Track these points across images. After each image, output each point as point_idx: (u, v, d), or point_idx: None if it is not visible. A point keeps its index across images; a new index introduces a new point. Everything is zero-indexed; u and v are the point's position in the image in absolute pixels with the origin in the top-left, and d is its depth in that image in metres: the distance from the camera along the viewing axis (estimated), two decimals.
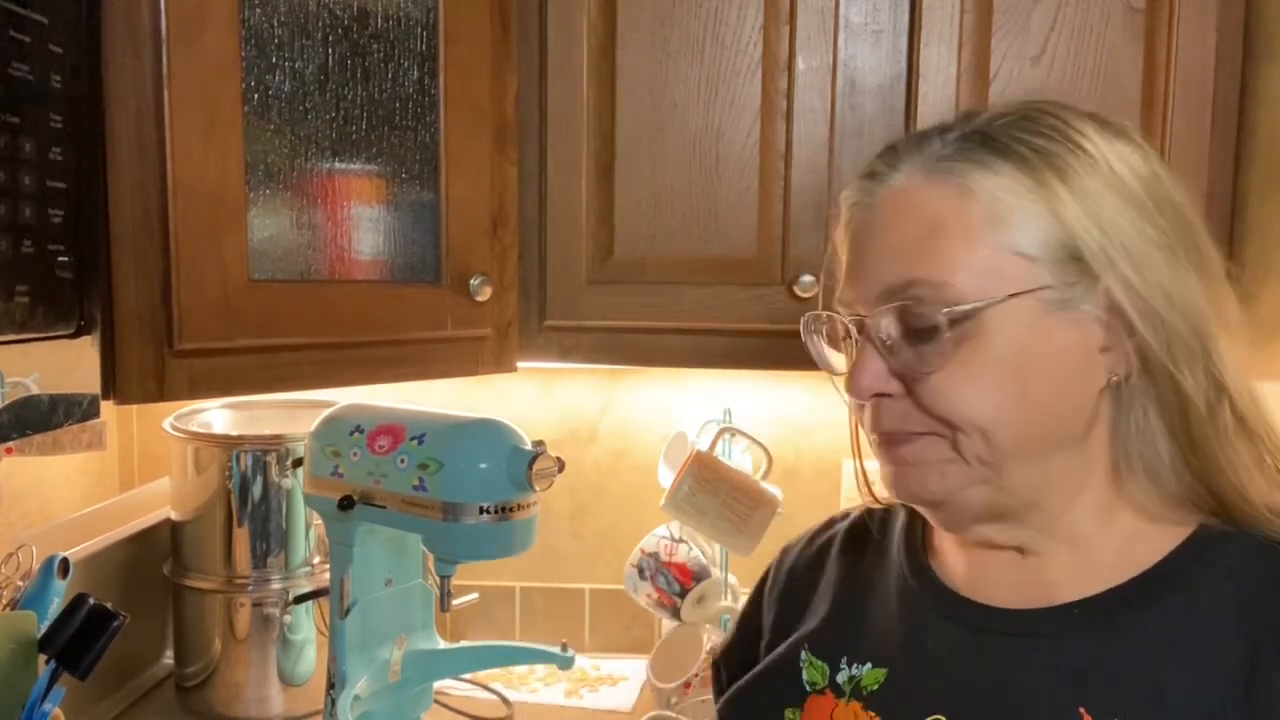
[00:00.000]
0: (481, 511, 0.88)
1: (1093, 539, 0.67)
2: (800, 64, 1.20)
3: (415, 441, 0.90)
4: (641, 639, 1.60)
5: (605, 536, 1.62)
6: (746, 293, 1.22)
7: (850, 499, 1.54)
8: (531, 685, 1.47)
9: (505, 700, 1.40)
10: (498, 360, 1.23)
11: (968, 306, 0.61)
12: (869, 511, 0.82)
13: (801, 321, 0.72)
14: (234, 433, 1.36)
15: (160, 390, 0.90)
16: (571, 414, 1.61)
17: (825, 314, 0.70)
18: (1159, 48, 1.17)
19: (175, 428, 1.31)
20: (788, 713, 0.75)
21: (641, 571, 1.44)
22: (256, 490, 1.29)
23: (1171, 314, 0.61)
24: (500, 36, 1.20)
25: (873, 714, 0.70)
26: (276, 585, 1.30)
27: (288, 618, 1.30)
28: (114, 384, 0.87)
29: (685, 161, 1.22)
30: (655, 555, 1.43)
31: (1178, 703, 0.60)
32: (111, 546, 1.33)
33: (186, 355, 0.91)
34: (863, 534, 0.81)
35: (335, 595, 0.97)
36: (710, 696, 1.33)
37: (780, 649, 0.78)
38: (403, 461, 0.90)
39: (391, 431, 0.92)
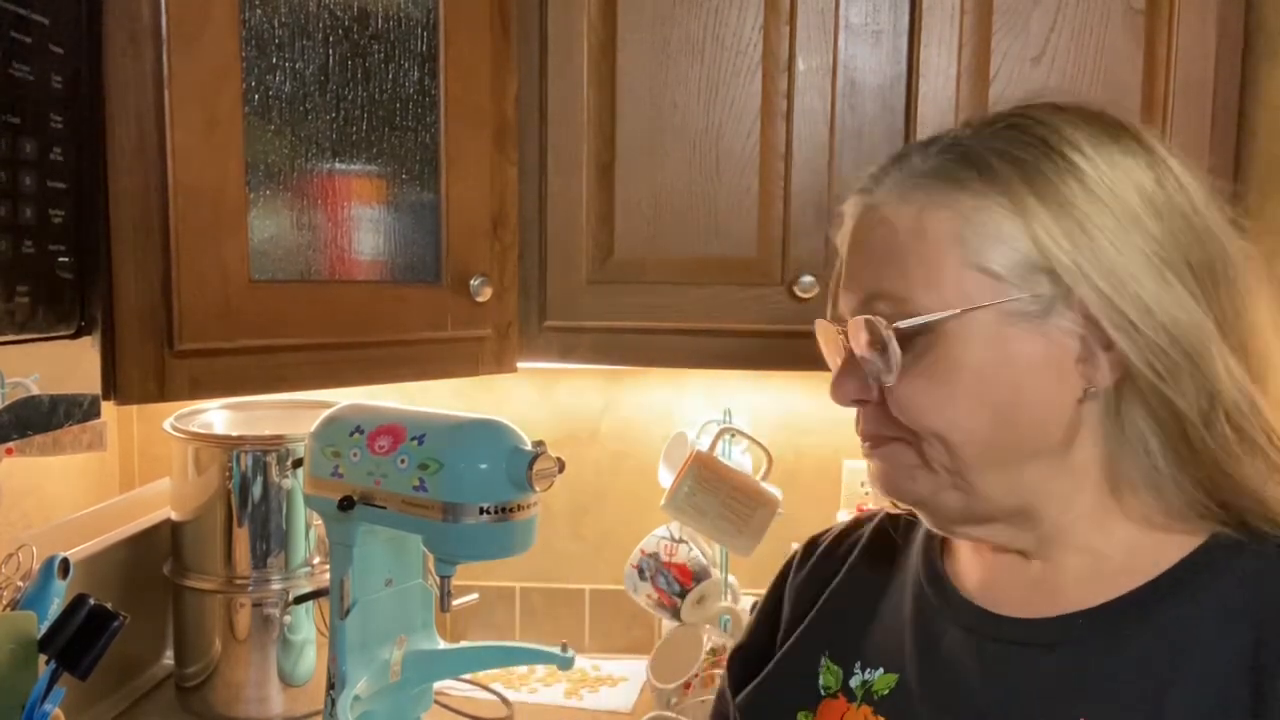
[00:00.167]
0: (481, 512, 0.88)
1: (1097, 548, 0.67)
2: (800, 64, 1.20)
3: (415, 442, 0.90)
4: (641, 639, 1.60)
5: (605, 537, 1.62)
6: (746, 293, 1.22)
7: (850, 499, 1.54)
8: (531, 685, 1.47)
9: (505, 700, 1.40)
10: (498, 360, 1.23)
11: (917, 320, 0.64)
12: (894, 515, 0.81)
13: (815, 325, 0.76)
14: (234, 433, 1.36)
15: (161, 390, 0.90)
16: (571, 414, 1.61)
17: (826, 322, 0.73)
18: (1159, 48, 1.17)
19: (175, 428, 1.31)
20: (801, 715, 0.75)
21: (641, 572, 1.44)
22: (256, 490, 1.29)
23: (1151, 326, 0.60)
24: (500, 36, 1.20)
25: (882, 719, 0.71)
26: (276, 585, 1.30)
27: (288, 618, 1.30)
28: (114, 384, 0.87)
29: (685, 162, 1.22)
30: (655, 556, 1.43)
31: (1181, 714, 0.60)
32: (111, 547, 1.33)
33: (187, 355, 0.91)
34: (886, 537, 0.81)
35: (335, 595, 0.97)
36: (710, 697, 1.34)
37: (797, 650, 0.79)
38: (403, 462, 0.90)
39: (391, 432, 0.92)
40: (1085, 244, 0.61)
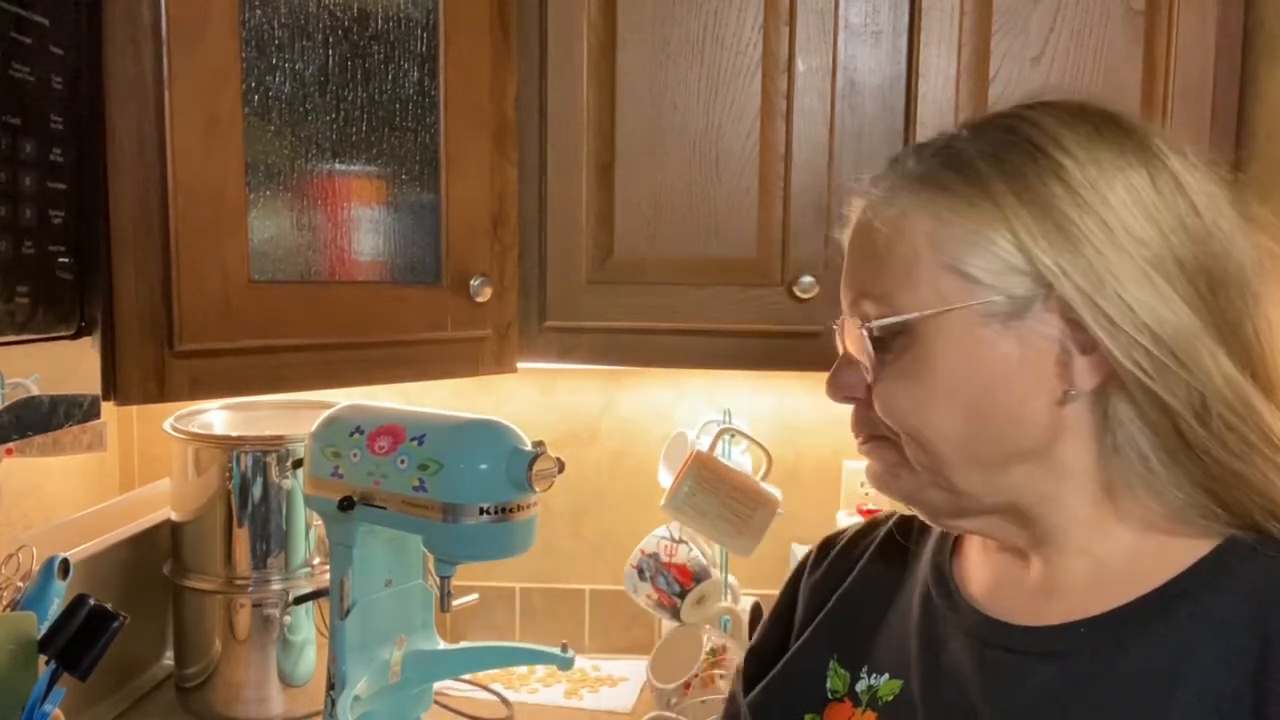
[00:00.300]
0: (481, 512, 0.88)
1: (1097, 552, 0.66)
2: (800, 65, 1.20)
3: (415, 442, 0.90)
4: (641, 639, 1.60)
5: (605, 537, 1.62)
6: (746, 293, 1.22)
7: (850, 499, 1.54)
8: (531, 685, 1.47)
9: (505, 700, 1.40)
10: (498, 361, 1.23)
11: (891, 321, 0.65)
12: (907, 517, 0.81)
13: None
14: (234, 433, 1.36)
15: (161, 391, 0.90)
16: (571, 414, 1.61)
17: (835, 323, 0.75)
18: (1159, 48, 1.17)
19: (175, 428, 1.31)
20: (808, 718, 0.75)
21: (641, 572, 1.44)
22: (256, 491, 1.29)
23: (1133, 326, 0.60)
24: (500, 37, 1.20)
25: None
26: (276, 586, 1.30)
27: (288, 618, 1.30)
28: (114, 385, 0.87)
29: (685, 162, 1.22)
30: (655, 556, 1.43)
31: None
32: (111, 547, 1.33)
33: (187, 356, 0.91)
34: (899, 539, 0.81)
35: (335, 596, 0.97)
36: (710, 697, 1.34)
37: (807, 652, 0.79)
38: (403, 462, 0.90)
39: (391, 432, 0.92)
40: (1065, 244, 0.61)
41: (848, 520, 1.47)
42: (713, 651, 1.38)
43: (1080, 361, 0.62)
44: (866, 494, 1.53)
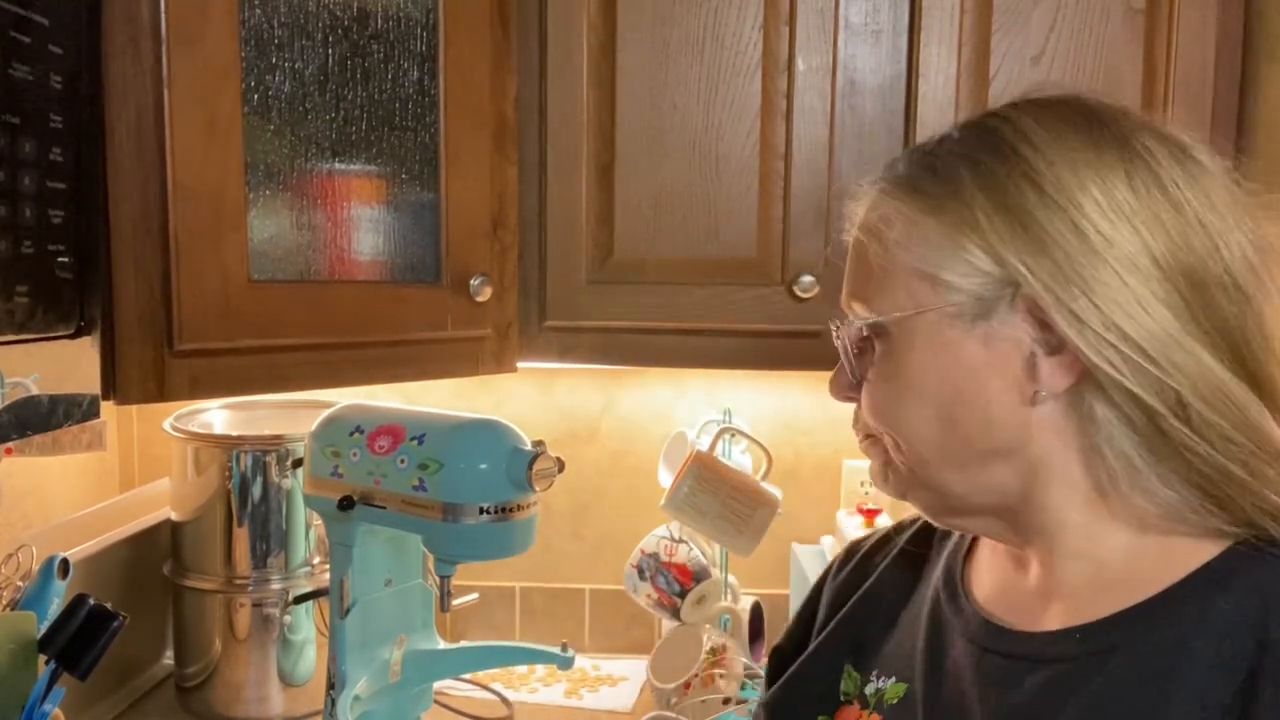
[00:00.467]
0: (481, 512, 0.88)
1: (1094, 554, 0.65)
2: (800, 64, 1.20)
3: (415, 442, 0.90)
4: (641, 639, 1.60)
5: (605, 536, 1.62)
6: (746, 293, 1.22)
7: (850, 499, 1.54)
8: (531, 685, 1.47)
9: (505, 700, 1.40)
10: (498, 360, 1.23)
11: (865, 323, 0.67)
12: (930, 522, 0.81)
13: None
14: (234, 433, 1.36)
15: (160, 390, 0.90)
16: (571, 414, 1.61)
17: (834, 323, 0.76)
18: (1159, 48, 1.17)
19: (175, 428, 1.31)
20: (820, 719, 0.76)
21: (641, 572, 1.44)
22: (256, 490, 1.29)
23: (1100, 324, 0.59)
24: (500, 36, 1.20)
25: None
26: (276, 585, 1.30)
27: (288, 618, 1.30)
28: (114, 384, 0.87)
29: (685, 162, 1.22)
30: (655, 555, 1.43)
31: None
32: (111, 547, 1.33)
33: (186, 355, 0.91)
34: (920, 544, 0.81)
35: (335, 595, 0.97)
36: (710, 697, 1.34)
37: (823, 653, 0.80)
38: (403, 462, 0.90)
39: (391, 432, 0.92)
40: (1031, 245, 0.61)
41: (848, 520, 1.47)
42: (713, 651, 1.38)
43: (1049, 362, 0.62)
44: (866, 493, 1.53)
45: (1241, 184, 0.64)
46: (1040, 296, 0.60)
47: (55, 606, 0.98)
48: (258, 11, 0.97)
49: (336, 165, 1.08)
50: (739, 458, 1.46)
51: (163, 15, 0.87)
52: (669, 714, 1.35)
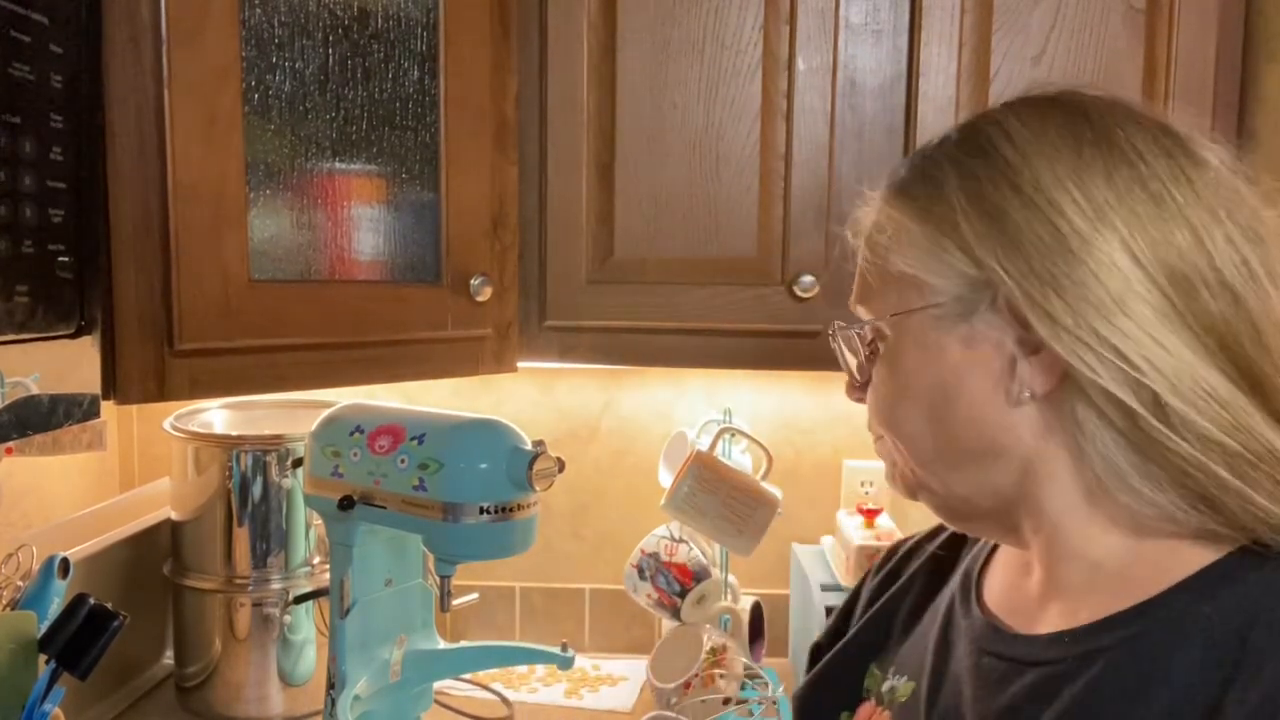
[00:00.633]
0: (481, 511, 0.88)
1: (1090, 556, 0.65)
2: (800, 64, 1.20)
3: (415, 442, 0.90)
4: (641, 639, 1.60)
5: (605, 536, 1.62)
6: (747, 293, 1.22)
7: (850, 499, 1.54)
8: (531, 685, 1.47)
9: (505, 700, 1.40)
10: (498, 360, 1.23)
11: (859, 326, 0.69)
12: None
13: None
14: (234, 433, 1.36)
15: (160, 390, 0.90)
16: (571, 414, 1.61)
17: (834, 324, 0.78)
18: (1159, 48, 1.17)
19: (175, 428, 1.31)
20: (843, 715, 0.78)
21: (641, 571, 1.44)
22: (256, 490, 1.29)
23: (1076, 325, 0.59)
24: (500, 36, 1.20)
25: None
26: (276, 585, 1.30)
27: (288, 618, 1.30)
28: (114, 384, 0.87)
29: (685, 161, 1.22)
30: (655, 555, 1.43)
31: None
32: (111, 546, 1.33)
33: (187, 355, 0.91)
34: (951, 546, 0.81)
35: (335, 595, 0.97)
36: (710, 697, 1.34)
37: (850, 651, 0.81)
38: (403, 461, 0.90)
39: (391, 432, 0.92)
40: (1008, 246, 0.61)
41: (848, 520, 1.46)
42: (713, 651, 1.38)
43: (1029, 363, 0.62)
44: (866, 493, 1.53)
45: (1245, 175, 0.63)
46: (1015, 297, 0.60)
47: (55, 606, 0.98)
48: (258, 11, 0.97)
49: (337, 165, 1.08)
50: (739, 458, 1.46)
51: (163, 15, 0.87)
52: (669, 714, 1.35)
